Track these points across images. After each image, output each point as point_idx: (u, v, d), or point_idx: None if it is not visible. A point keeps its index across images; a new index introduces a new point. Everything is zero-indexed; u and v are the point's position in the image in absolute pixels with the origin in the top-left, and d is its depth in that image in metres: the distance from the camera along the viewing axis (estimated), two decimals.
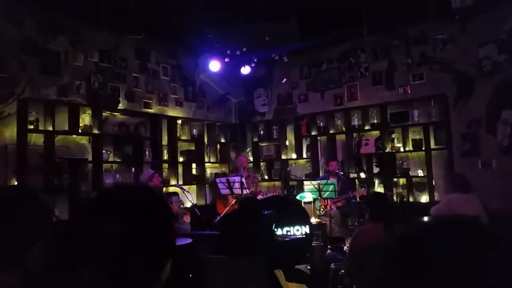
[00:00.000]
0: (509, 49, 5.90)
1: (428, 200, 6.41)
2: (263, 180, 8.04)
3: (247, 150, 8.45)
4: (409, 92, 6.81)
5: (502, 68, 5.96)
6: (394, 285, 0.73)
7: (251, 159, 8.24)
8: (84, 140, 5.98)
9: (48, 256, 0.85)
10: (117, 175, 6.12)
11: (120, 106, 6.51)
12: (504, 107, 5.92)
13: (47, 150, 5.41)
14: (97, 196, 0.90)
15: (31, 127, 5.30)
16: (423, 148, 6.57)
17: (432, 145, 6.55)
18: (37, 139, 5.41)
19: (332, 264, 1.56)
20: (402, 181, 6.85)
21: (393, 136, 6.90)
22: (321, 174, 7.25)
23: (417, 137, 6.68)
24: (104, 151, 6.06)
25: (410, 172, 6.74)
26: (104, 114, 6.21)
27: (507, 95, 5.88)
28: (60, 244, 0.84)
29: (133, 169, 6.46)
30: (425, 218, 5.81)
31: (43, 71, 5.60)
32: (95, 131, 6.00)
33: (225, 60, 7.15)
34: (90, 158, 5.92)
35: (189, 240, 4.63)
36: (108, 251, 0.77)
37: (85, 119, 5.96)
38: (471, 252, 0.67)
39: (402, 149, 6.80)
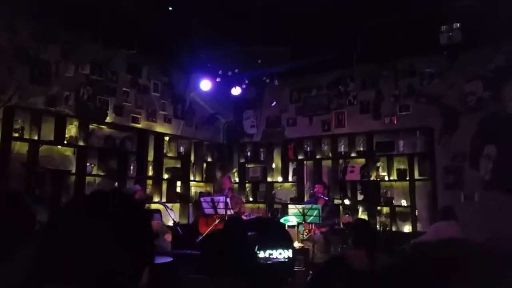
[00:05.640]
0: (493, 86, 6.08)
1: (411, 230, 6.45)
2: (248, 202, 8.00)
3: (233, 171, 8.42)
4: (395, 122, 6.93)
5: (486, 104, 6.12)
6: None
7: (237, 179, 8.23)
8: (69, 151, 5.90)
9: (31, 262, 0.85)
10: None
11: (108, 119, 6.46)
12: (487, 142, 6.05)
13: (31, 159, 5.32)
14: (75, 201, 0.92)
15: (16, 135, 5.24)
16: (407, 178, 6.63)
17: (416, 176, 6.63)
18: (21, 147, 5.33)
19: None
20: (385, 209, 6.88)
21: (378, 164, 6.97)
22: (306, 199, 7.26)
23: (402, 167, 6.76)
24: (88, 164, 5.98)
25: (393, 201, 6.78)
26: (91, 126, 6.17)
27: (490, 131, 6.03)
28: (42, 250, 0.84)
29: (116, 183, 6.37)
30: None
31: (33, 80, 5.56)
32: (81, 143, 5.94)
33: (217, 80, 7.19)
34: (73, 170, 5.84)
35: (170, 259, 4.56)
36: (88, 254, 0.78)
37: (72, 130, 5.91)
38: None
39: (386, 178, 6.86)
